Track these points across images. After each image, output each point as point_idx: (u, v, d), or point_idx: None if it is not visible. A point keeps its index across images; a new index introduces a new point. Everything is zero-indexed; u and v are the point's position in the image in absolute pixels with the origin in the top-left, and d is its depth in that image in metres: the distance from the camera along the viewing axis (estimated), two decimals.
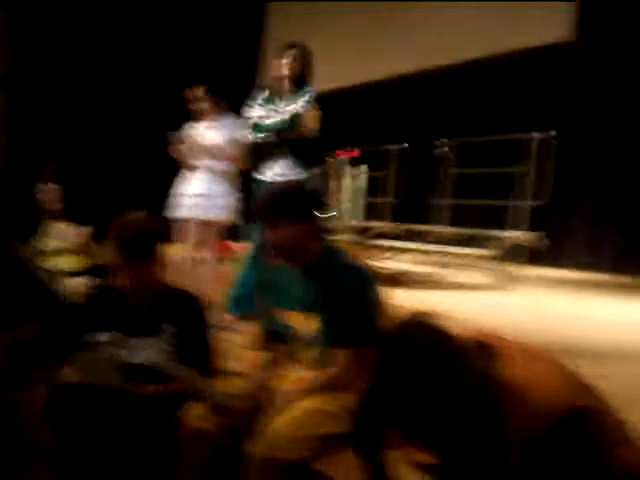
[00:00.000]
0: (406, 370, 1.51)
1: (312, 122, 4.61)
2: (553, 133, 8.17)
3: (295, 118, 4.57)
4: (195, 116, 5.44)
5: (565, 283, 8.78)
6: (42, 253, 5.09)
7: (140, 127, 12.62)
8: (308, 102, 4.60)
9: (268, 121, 4.66)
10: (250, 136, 4.75)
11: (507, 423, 1.57)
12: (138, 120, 12.73)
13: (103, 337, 2.77)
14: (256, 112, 4.78)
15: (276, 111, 4.68)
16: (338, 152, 11.59)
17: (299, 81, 4.66)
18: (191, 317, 2.84)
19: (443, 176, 9.95)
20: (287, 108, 4.64)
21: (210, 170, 5.28)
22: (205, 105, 5.33)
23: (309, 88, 4.67)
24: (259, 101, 4.82)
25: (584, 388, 1.65)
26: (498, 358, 1.63)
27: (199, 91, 5.35)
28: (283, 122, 4.59)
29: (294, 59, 4.64)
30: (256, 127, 4.72)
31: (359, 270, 2.52)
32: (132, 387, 2.56)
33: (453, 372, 1.50)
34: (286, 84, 4.69)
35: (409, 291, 7.06)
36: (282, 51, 4.70)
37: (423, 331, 1.57)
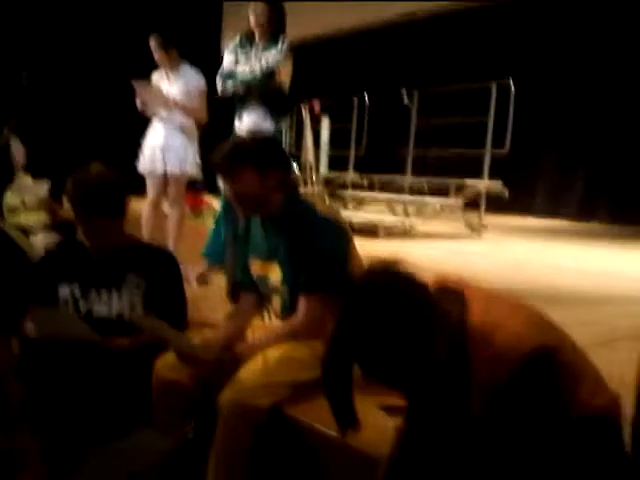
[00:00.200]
0: (371, 313, 1.52)
1: (285, 77, 4.53)
2: (509, 80, 8.16)
3: (267, 73, 4.47)
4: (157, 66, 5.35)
5: (527, 231, 8.90)
6: (7, 209, 5.02)
7: (110, 77, 12.38)
8: (279, 53, 4.48)
9: (239, 70, 4.55)
10: (220, 85, 4.65)
11: (473, 366, 1.59)
12: (107, 69, 12.47)
13: (64, 290, 2.76)
14: (227, 58, 4.68)
15: (247, 57, 4.57)
16: (304, 103, 11.48)
17: (271, 30, 4.54)
18: (161, 270, 2.82)
19: (406, 126, 9.91)
20: (260, 57, 4.52)
21: (168, 122, 5.21)
22: (159, 55, 5.22)
23: (281, 36, 4.54)
24: (230, 47, 4.72)
25: (549, 328, 1.67)
26: (463, 302, 1.64)
27: (153, 40, 5.23)
28: (254, 77, 4.48)
29: (261, 11, 4.53)
30: (225, 76, 4.62)
31: (323, 219, 2.50)
32: (100, 339, 2.55)
33: (419, 315, 1.51)
34: (258, 34, 4.58)
35: (376, 241, 7.12)
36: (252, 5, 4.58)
37: (388, 276, 1.58)
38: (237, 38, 4.72)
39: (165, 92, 5.14)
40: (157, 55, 5.23)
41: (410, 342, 1.50)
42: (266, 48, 4.51)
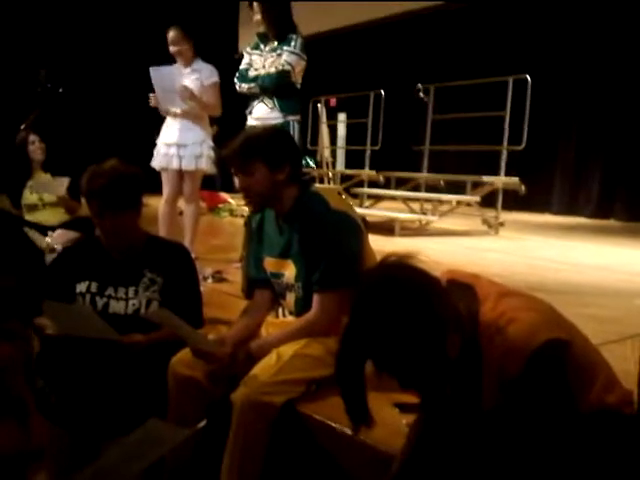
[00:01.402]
0: (383, 308, 1.51)
1: (298, 75, 4.54)
2: (527, 76, 8.11)
3: (283, 73, 4.49)
4: (174, 60, 5.34)
5: (545, 228, 8.86)
6: (25, 206, 5.05)
7: (126, 74, 12.45)
8: (293, 52, 4.49)
9: (252, 73, 4.58)
10: (238, 86, 4.69)
11: (485, 359, 1.59)
12: (124, 66, 12.53)
13: (81, 287, 2.78)
14: (245, 60, 4.72)
15: (261, 56, 4.60)
16: (320, 98, 11.50)
17: (279, 28, 4.55)
18: (177, 266, 2.82)
19: (422, 122, 9.88)
20: (273, 55, 4.54)
21: (183, 118, 5.23)
22: (178, 47, 5.22)
23: (293, 35, 4.52)
24: (247, 49, 4.76)
25: (561, 322, 1.67)
26: (475, 296, 1.64)
27: (173, 31, 5.22)
28: (269, 76, 4.50)
29: (255, 13, 4.55)
30: (242, 77, 4.65)
31: (337, 215, 2.49)
32: (117, 336, 2.56)
33: (431, 310, 1.50)
34: (268, 34, 4.60)
35: (392, 238, 7.11)
36: (251, 7, 4.60)
37: (400, 270, 1.57)
38: (255, 39, 4.76)
39: (183, 86, 5.13)
40: (176, 47, 5.21)
41: (422, 337, 1.49)
42: (278, 46, 4.52)
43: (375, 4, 11.30)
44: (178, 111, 5.22)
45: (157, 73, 5.09)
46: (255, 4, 4.53)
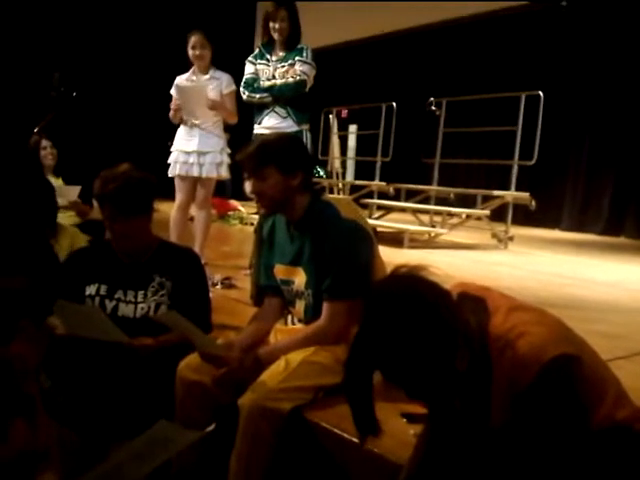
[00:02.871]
0: (392, 319, 1.50)
1: (309, 84, 4.59)
2: (539, 92, 8.13)
3: (301, 84, 4.51)
4: (191, 67, 5.35)
5: (554, 243, 8.84)
6: None
7: (140, 79, 12.53)
8: (306, 62, 4.53)
9: (266, 83, 4.60)
10: (244, 95, 4.70)
11: (495, 374, 1.58)
12: (138, 71, 12.62)
13: (90, 289, 2.79)
14: (248, 69, 4.74)
15: (268, 66, 4.63)
16: (331, 109, 11.52)
17: (291, 40, 4.60)
18: (186, 271, 2.84)
19: (433, 135, 9.89)
20: (281, 65, 4.58)
21: (204, 125, 5.25)
22: (199, 52, 5.22)
23: (302, 45, 4.59)
24: (250, 58, 4.78)
25: (571, 338, 1.66)
26: (485, 310, 1.63)
27: (196, 36, 5.23)
28: (288, 87, 4.53)
29: (282, 20, 4.57)
30: (249, 86, 4.67)
31: (348, 224, 2.50)
32: (126, 339, 2.57)
33: (440, 323, 1.50)
34: (278, 42, 4.64)
35: (401, 250, 7.11)
36: (272, 13, 4.60)
37: (410, 282, 1.57)
38: (256, 50, 4.79)
39: (205, 94, 5.12)
40: (198, 51, 5.21)
41: (431, 350, 1.49)
42: (288, 56, 4.56)
43: (389, 17, 11.35)
44: (197, 121, 5.23)
45: (183, 87, 5.14)
46: (283, 13, 4.55)
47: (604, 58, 9.78)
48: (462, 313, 1.58)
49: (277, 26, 4.56)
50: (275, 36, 4.60)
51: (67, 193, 5.00)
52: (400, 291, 1.55)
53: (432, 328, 1.49)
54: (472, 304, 1.65)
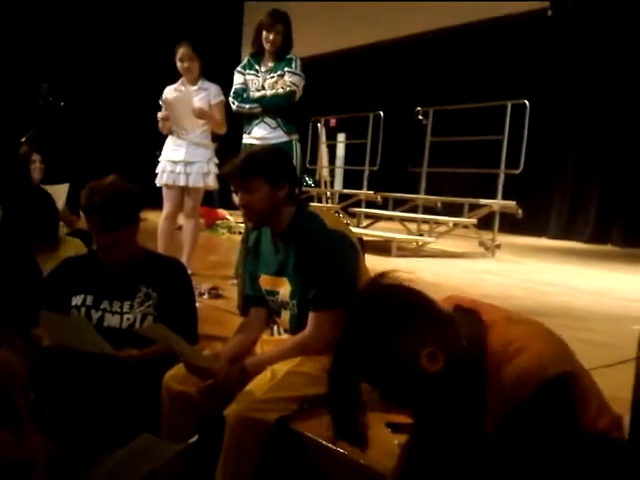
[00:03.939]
0: (361, 325, 1.53)
1: (300, 94, 4.61)
2: (525, 101, 8.19)
3: (291, 94, 4.54)
4: (180, 77, 5.35)
5: (541, 251, 8.89)
6: None
7: (128, 89, 12.50)
8: (295, 73, 4.55)
9: (256, 94, 4.62)
10: (233, 104, 4.71)
11: (491, 388, 1.57)
12: (126, 81, 12.59)
13: (76, 299, 2.79)
14: (237, 79, 4.76)
15: (257, 77, 4.65)
16: (320, 118, 11.56)
17: (281, 51, 4.63)
18: (173, 282, 2.83)
19: (420, 144, 9.93)
20: (270, 76, 4.60)
21: (189, 137, 5.26)
22: (188, 64, 5.22)
23: (290, 56, 4.62)
24: (239, 68, 4.80)
25: (567, 353, 1.65)
26: (483, 324, 1.63)
27: (184, 47, 5.23)
28: (278, 98, 4.55)
29: (277, 33, 4.58)
30: (238, 97, 4.68)
31: (333, 234, 2.51)
32: (111, 350, 2.57)
33: (402, 323, 1.51)
34: (268, 53, 4.65)
35: (388, 258, 7.12)
36: (267, 24, 4.61)
37: (388, 290, 1.58)
38: (245, 60, 4.80)
39: (193, 104, 5.12)
40: (185, 64, 5.21)
41: (391, 349, 1.51)
42: (277, 66, 4.58)
43: (376, 27, 11.41)
44: (184, 132, 5.24)
45: (170, 98, 5.14)
46: (280, 27, 4.57)
47: (590, 67, 9.85)
48: (457, 325, 1.59)
49: (271, 37, 4.58)
50: (267, 46, 4.62)
51: (55, 192, 4.99)
52: (368, 298, 1.59)
53: (392, 329, 1.52)
54: (466, 317, 1.64)
